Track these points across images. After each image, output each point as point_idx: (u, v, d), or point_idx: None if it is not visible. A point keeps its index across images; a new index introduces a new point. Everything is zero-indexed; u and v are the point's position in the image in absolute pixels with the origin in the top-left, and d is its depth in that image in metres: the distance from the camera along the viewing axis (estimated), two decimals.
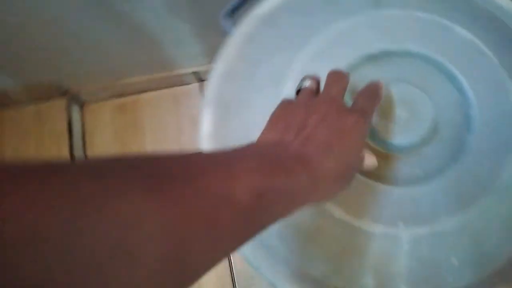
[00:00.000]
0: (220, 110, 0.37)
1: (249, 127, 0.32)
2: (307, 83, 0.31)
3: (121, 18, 0.70)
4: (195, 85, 0.95)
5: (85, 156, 0.95)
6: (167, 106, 0.94)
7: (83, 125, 0.97)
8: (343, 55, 0.38)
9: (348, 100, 0.35)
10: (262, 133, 0.27)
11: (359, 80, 0.35)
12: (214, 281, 0.80)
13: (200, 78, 0.94)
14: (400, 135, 0.35)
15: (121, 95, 0.96)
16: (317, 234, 0.33)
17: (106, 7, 0.67)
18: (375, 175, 0.34)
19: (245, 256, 0.32)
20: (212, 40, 0.73)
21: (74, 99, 0.96)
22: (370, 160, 0.30)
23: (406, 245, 0.31)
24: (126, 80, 0.92)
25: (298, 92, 0.32)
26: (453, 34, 0.37)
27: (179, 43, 0.81)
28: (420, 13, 0.38)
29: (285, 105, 0.29)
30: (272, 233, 0.32)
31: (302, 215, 0.32)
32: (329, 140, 0.25)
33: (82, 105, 0.97)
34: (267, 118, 0.29)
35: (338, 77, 0.30)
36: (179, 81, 0.93)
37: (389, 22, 0.38)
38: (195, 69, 0.91)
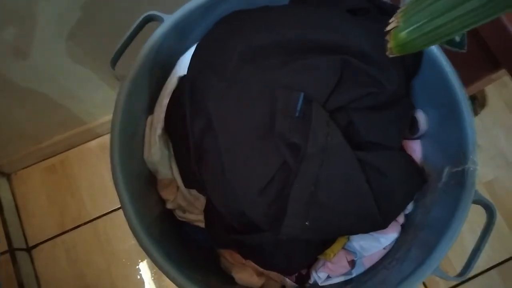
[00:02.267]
0: None
1: None
2: None
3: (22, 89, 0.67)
4: None
5: (22, 229, 0.90)
6: (97, 158, 0.91)
7: (14, 197, 0.91)
8: None
9: None
10: None
11: None
12: None
13: None
14: None
15: (47, 157, 0.92)
16: None
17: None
18: None
19: None
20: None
21: None
22: None
23: None
24: (48, 142, 0.88)
25: None
26: None
27: (90, 94, 0.78)
28: None
29: None
30: None
31: None
32: None
33: (8, 177, 0.92)
34: None
35: None
36: (104, 129, 0.91)
37: None
38: None
